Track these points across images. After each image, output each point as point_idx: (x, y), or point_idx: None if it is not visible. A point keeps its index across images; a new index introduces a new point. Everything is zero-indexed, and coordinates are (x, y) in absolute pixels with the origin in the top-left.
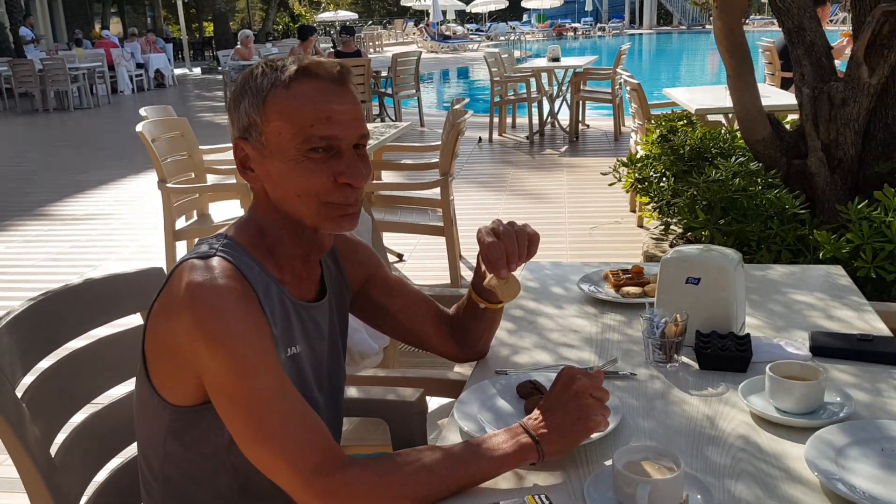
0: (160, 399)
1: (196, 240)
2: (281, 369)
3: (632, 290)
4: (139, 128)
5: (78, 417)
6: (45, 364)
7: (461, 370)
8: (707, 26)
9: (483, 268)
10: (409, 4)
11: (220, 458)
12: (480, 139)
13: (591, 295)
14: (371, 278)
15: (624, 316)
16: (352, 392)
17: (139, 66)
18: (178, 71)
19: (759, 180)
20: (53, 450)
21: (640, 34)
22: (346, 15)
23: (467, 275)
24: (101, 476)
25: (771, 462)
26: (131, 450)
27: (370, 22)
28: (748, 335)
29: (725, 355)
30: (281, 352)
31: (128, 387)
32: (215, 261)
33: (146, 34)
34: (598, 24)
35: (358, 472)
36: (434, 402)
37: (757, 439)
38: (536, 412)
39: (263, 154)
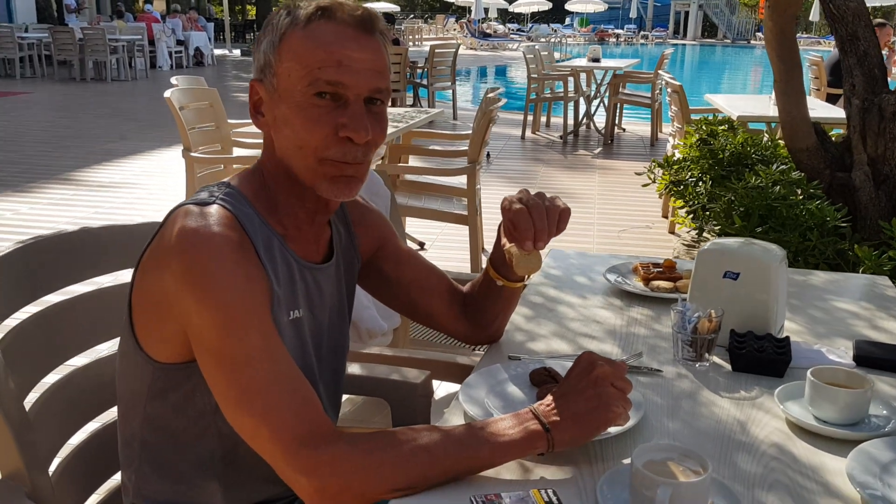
0: (144, 354)
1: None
2: (273, 329)
3: (662, 284)
4: (167, 94)
5: (57, 374)
6: (27, 312)
7: (471, 355)
8: (753, 41)
9: (504, 240)
10: (451, 0)
11: (206, 423)
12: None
13: (618, 286)
14: (382, 247)
15: (652, 311)
16: (354, 369)
17: (179, 42)
18: (217, 51)
19: (799, 190)
20: (28, 406)
21: (684, 44)
22: (388, 6)
23: None
24: (78, 437)
25: (807, 474)
26: (112, 413)
27: (412, 16)
28: (787, 338)
29: (762, 357)
30: (282, 314)
31: (114, 345)
32: (213, 208)
33: (188, 12)
34: (641, 32)
35: (346, 448)
36: (442, 390)
37: (793, 449)
38: (549, 398)
39: (273, 97)
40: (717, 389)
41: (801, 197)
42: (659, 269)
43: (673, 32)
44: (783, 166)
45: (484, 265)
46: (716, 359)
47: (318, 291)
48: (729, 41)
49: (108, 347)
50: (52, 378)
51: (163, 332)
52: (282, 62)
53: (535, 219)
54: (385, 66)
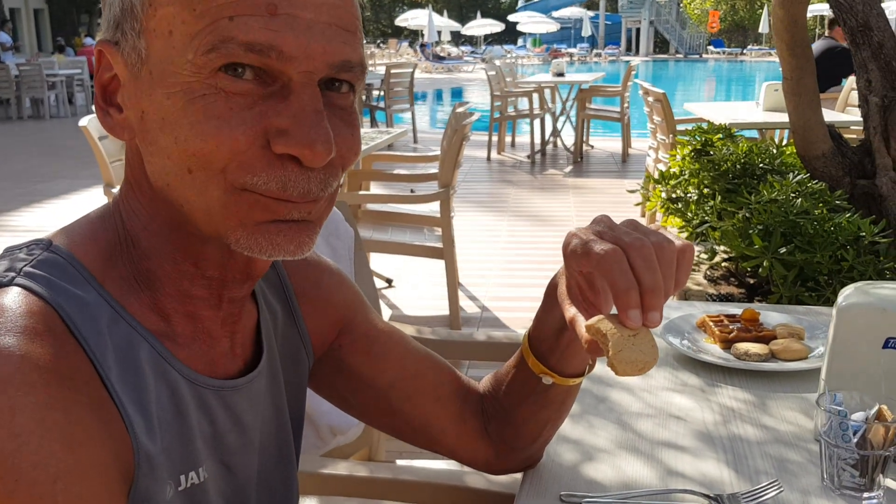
0: None
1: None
2: None
3: (753, 348)
4: (83, 122)
5: None
6: None
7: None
8: (704, 55)
9: (568, 310)
10: (403, 24)
11: None
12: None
13: (687, 354)
14: (347, 329)
15: (750, 391)
16: None
17: None
18: None
19: (822, 202)
20: None
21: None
22: None
23: (467, 305)
24: None
25: None
26: None
27: (364, 41)
28: None
29: None
30: (162, 487)
31: None
32: (10, 295)
33: None
34: (595, 50)
35: None
36: None
37: None
38: None
39: (140, 76)
40: None
41: (824, 210)
42: (738, 325)
43: (626, 49)
44: (800, 176)
45: (461, 304)
46: (890, 482)
47: (237, 426)
48: (681, 56)
49: None
50: None
51: None
52: (156, 7)
53: (640, 268)
54: (356, 19)
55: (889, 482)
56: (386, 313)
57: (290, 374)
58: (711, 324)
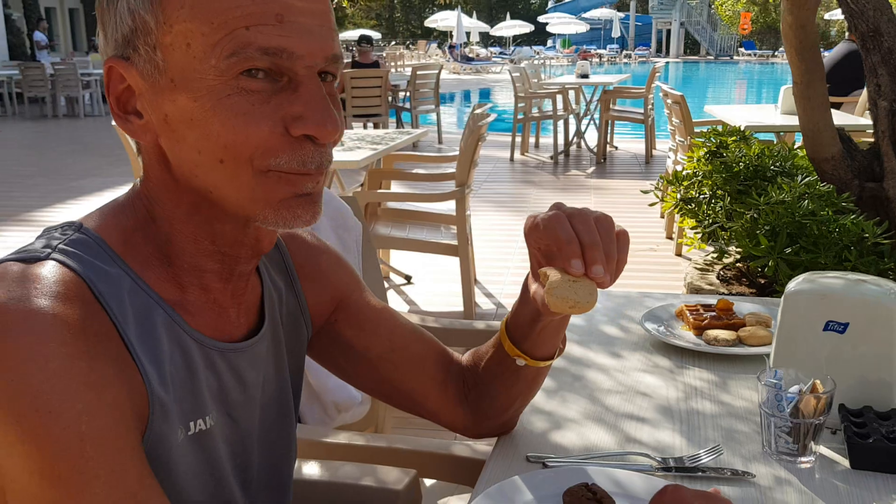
0: None
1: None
2: (141, 468)
3: (722, 334)
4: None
5: None
6: None
7: (472, 442)
8: (735, 57)
9: (533, 289)
10: (432, 26)
11: None
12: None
13: (662, 339)
14: (342, 305)
15: (714, 373)
16: (310, 470)
17: None
18: None
19: (828, 204)
20: None
21: (667, 62)
22: (369, 33)
23: (483, 302)
24: None
25: None
26: None
27: (394, 42)
28: None
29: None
30: (173, 431)
31: None
32: (46, 268)
33: None
34: (624, 52)
35: None
36: (433, 486)
37: None
38: None
39: (159, 84)
40: (837, 502)
41: (831, 211)
42: (712, 314)
43: (655, 51)
44: (808, 178)
45: (476, 300)
46: (823, 449)
47: (240, 383)
48: (712, 57)
49: None
50: None
51: None
52: (171, 23)
53: (579, 229)
54: (334, 19)
55: (822, 449)
56: (403, 309)
57: (291, 342)
58: (687, 312)
